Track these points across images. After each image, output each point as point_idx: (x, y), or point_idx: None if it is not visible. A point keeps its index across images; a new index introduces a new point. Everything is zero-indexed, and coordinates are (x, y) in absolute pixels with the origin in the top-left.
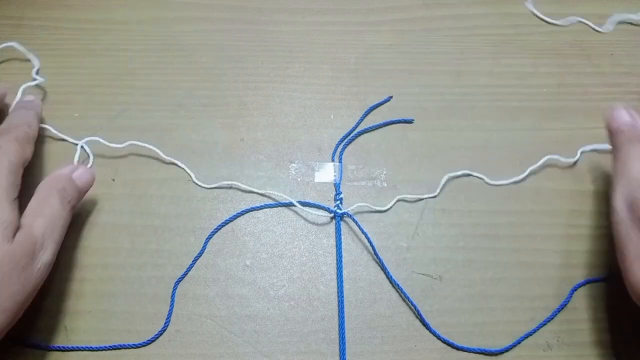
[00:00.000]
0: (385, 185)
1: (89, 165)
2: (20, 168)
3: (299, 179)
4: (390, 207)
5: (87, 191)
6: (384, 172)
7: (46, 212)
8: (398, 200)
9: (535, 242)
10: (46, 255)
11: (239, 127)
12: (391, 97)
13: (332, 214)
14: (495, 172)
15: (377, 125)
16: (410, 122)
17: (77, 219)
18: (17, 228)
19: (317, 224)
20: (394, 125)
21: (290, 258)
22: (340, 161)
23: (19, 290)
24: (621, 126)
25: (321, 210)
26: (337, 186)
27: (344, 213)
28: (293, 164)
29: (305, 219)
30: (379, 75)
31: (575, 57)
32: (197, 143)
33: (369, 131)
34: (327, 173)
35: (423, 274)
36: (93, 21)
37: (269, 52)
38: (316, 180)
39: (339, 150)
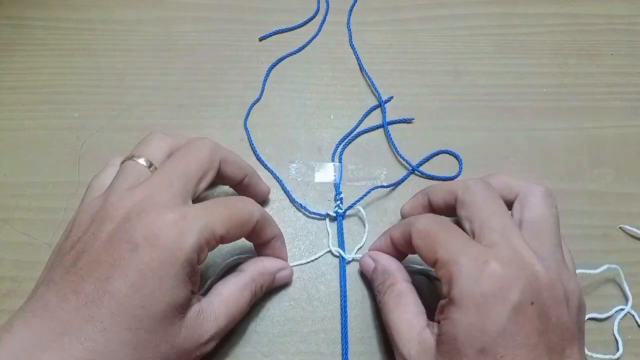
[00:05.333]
0: (386, 185)
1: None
2: (210, 244)
3: (299, 179)
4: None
5: None
6: (384, 172)
7: (234, 305)
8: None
9: None
10: (207, 349)
11: (239, 127)
12: (391, 97)
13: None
14: (495, 172)
15: (377, 125)
16: (410, 122)
17: None
18: (189, 305)
19: (317, 224)
20: (394, 125)
21: (290, 258)
22: (340, 161)
23: None
24: (370, 275)
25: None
26: (337, 186)
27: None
28: (293, 164)
29: (305, 219)
30: (379, 75)
31: (575, 57)
32: None
33: (369, 131)
34: (327, 173)
35: (423, 274)
36: (93, 21)
37: (268, 52)
38: (316, 180)
39: (339, 150)
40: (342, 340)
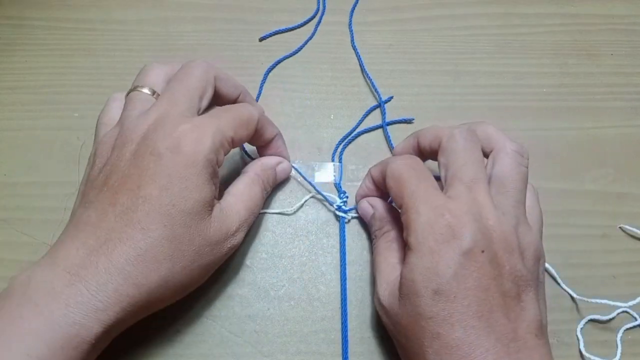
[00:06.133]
0: None
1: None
2: (224, 146)
3: (299, 179)
4: None
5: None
6: None
7: (248, 198)
8: None
9: None
10: (236, 240)
11: None
12: (391, 97)
13: (336, 207)
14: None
15: (378, 125)
16: (410, 122)
17: None
18: (214, 204)
19: (317, 224)
20: (394, 125)
21: (290, 258)
22: (340, 161)
23: (207, 263)
24: (368, 220)
25: (323, 208)
26: (338, 186)
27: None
28: (293, 164)
29: (305, 219)
30: (379, 75)
31: (575, 57)
32: None
33: (369, 131)
34: (327, 173)
35: None
36: (93, 21)
37: (268, 52)
38: (316, 180)
39: (339, 150)
40: (342, 340)
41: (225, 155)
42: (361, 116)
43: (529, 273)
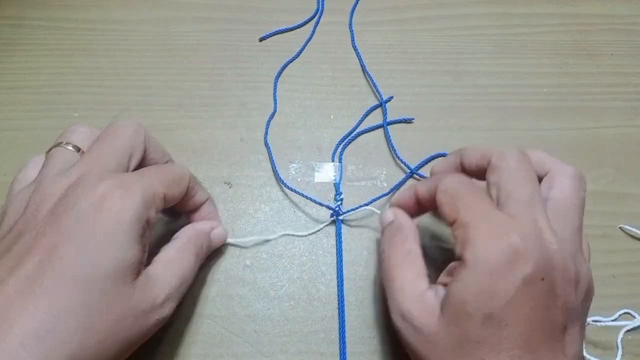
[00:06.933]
0: (385, 185)
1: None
2: (156, 203)
3: (299, 179)
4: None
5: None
6: (384, 172)
7: (180, 266)
8: None
9: None
10: (165, 311)
11: (239, 127)
12: (391, 97)
13: (331, 212)
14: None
15: (378, 125)
16: (410, 122)
17: None
18: (140, 269)
19: (317, 224)
20: (394, 125)
21: (290, 258)
22: (340, 161)
23: (129, 337)
24: (383, 228)
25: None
26: (337, 186)
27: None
28: (293, 164)
29: (305, 219)
30: (379, 75)
31: (575, 57)
32: (197, 143)
33: (369, 131)
34: (327, 173)
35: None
36: (93, 21)
37: (269, 52)
38: (316, 180)
39: (339, 150)
40: (340, 340)
41: (156, 213)
42: (361, 116)
43: (579, 306)
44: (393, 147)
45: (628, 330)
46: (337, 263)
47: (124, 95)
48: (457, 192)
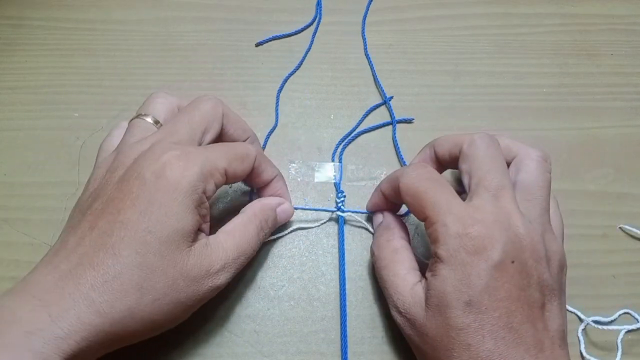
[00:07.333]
0: None
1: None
2: (215, 177)
3: (299, 179)
4: None
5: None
6: (384, 172)
7: (240, 237)
8: None
9: None
10: (219, 280)
11: None
12: (391, 97)
13: (334, 212)
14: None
15: (377, 125)
16: (410, 122)
17: None
18: (197, 236)
19: (317, 224)
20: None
21: (290, 258)
22: (340, 161)
23: (182, 300)
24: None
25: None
26: (337, 186)
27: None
28: (293, 164)
29: (305, 219)
30: (379, 75)
31: (575, 57)
32: None
33: (369, 131)
34: (327, 173)
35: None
36: (93, 21)
37: (268, 52)
38: (316, 180)
39: (339, 150)
40: (341, 340)
41: (217, 187)
42: (361, 116)
43: (555, 282)
44: (397, 145)
45: (628, 331)
46: (339, 260)
47: (124, 95)
48: (419, 189)
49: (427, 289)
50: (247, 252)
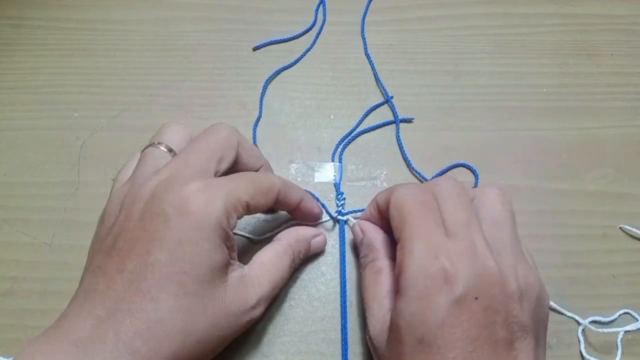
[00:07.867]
0: (385, 185)
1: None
2: (238, 211)
3: (299, 179)
4: None
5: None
6: (384, 172)
7: (275, 270)
8: None
9: (535, 242)
10: (256, 313)
11: (239, 127)
12: (391, 97)
13: (335, 211)
14: (494, 172)
15: (377, 125)
16: (410, 121)
17: (79, 217)
18: (228, 270)
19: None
20: (393, 125)
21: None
22: (340, 161)
23: (222, 336)
24: (358, 244)
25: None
26: (337, 186)
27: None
28: (293, 164)
29: None
30: (379, 75)
31: (575, 57)
32: None
33: (369, 131)
34: (327, 173)
35: None
36: (93, 21)
37: (268, 52)
38: (316, 180)
39: (339, 150)
40: (342, 340)
41: (237, 219)
42: (361, 116)
43: (528, 318)
44: (401, 143)
45: (628, 331)
46: (340, 261)
47: (124, 95)
48: (404, 207)
49: (389, 321)
50: (279, 284)
